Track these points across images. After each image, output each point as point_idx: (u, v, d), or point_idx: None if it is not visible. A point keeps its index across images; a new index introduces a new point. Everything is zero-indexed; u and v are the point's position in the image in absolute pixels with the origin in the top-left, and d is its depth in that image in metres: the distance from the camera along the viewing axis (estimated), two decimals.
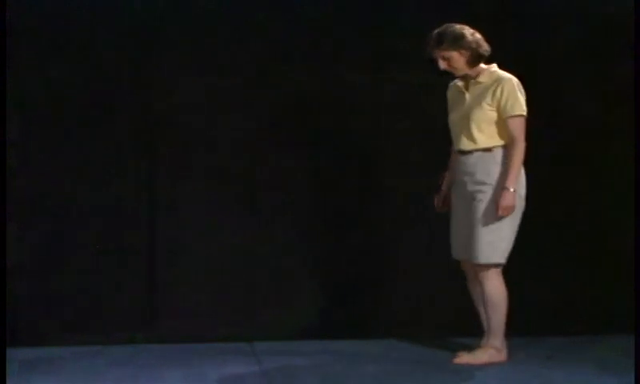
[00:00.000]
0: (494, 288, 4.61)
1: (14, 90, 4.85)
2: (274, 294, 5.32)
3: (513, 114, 4.54)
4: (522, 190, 4.60)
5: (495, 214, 4.51)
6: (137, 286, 5.24)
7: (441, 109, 4.87)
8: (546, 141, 5.26)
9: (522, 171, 4.60)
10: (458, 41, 4.56)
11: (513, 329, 4.89)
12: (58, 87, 5.14)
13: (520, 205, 4.59)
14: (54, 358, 4.79)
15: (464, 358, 4.66)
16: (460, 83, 4.72)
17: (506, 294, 4.64)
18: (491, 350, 4.65)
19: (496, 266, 4.60)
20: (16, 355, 4.68)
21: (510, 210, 4.50)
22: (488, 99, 4.57)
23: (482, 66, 4.65)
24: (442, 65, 4.62)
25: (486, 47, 4.62)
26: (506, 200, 4.49)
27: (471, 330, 4.89)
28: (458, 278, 4.86)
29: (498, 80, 4.58)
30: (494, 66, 4.66)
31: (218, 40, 5.30)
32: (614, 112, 5.44)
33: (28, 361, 4.71)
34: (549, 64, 5.46)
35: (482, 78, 4.63)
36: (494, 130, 4.57)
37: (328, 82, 5.36)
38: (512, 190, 4.48)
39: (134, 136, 5.23)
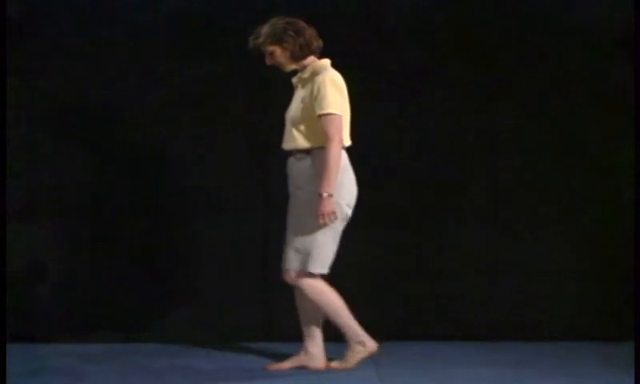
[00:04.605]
0: (319, 294, 4.34)
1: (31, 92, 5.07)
2: None
3: (322, 112, 4.26)
4: (347, 195, 4.34)
5: (307, 220, 4.27)
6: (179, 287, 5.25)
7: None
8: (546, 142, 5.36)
9: (351, 176, 4.37)
10: (277, 35, 4.34)
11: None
12: (66, 89, 5.15)
13: (342, 212, 4.30)
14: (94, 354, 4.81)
15: (338, 365, 4.43)
16: (295, 79, 4.49)
17: (332, 293, 4.36)
18: (358, 347, 4.41)
19: (309, 274, 4.33)
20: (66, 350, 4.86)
21: (330, 216, 4.21)
22: (304, 96, 4.35)
23: (312, 59, 4.41)
24: (268, 60, 4.42)
25: (313, 42, 4.38)
26: (322, 207, 4.20)
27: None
28: None
29: (315, 76, 4.34)
30: (323, 61, 4.40)
31: None
32: (614, 113, 5.39)
33: (77, 355, 4.78)
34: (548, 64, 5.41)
35: (305, 74, 4.40)
36: (312, 129, 4.31)
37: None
38: (326, 195, 4.21)
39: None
